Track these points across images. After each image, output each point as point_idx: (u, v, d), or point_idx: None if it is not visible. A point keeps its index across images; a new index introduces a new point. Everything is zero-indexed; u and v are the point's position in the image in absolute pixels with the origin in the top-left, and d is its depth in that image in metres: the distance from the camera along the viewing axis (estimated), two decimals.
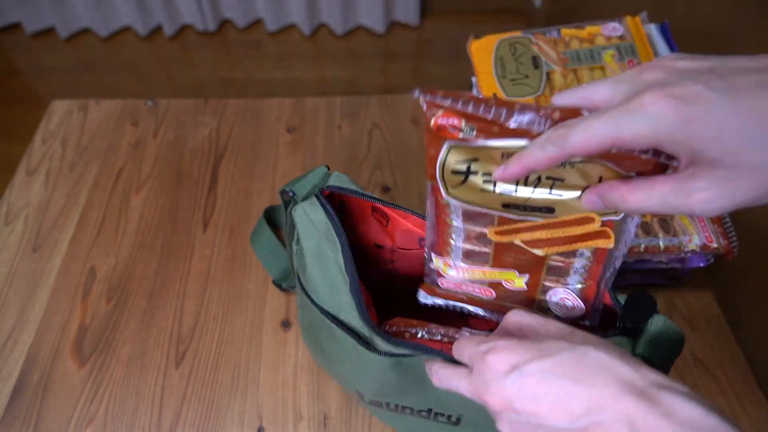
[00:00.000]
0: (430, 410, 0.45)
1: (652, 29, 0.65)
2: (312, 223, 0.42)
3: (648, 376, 0.29)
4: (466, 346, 0.35)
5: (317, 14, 2.00)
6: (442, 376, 0.36)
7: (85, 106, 0.83)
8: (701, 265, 0.57)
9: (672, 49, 0.64)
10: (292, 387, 0.56)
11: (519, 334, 0.36)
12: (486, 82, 0.64)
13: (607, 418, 0.28)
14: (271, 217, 0.67)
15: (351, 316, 0.41)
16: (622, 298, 0.39)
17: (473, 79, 0.75)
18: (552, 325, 0.35)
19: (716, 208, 0.28)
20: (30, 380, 0.57)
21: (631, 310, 0.37)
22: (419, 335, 0.42)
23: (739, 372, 0.56)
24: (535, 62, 0.64)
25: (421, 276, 0.45)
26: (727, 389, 0.55)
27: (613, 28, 0.65)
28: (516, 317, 0.36)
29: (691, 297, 0.62)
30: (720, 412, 0.27)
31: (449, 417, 0.45)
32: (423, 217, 0.43)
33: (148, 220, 0.70)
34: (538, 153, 0.30)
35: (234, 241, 0.67)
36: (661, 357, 0.35)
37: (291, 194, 0.43)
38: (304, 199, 0.42)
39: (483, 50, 0.67)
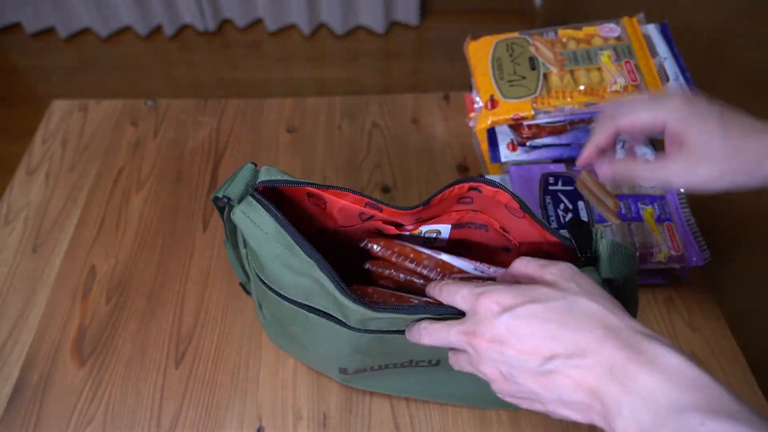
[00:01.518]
0: (411, 361, 0.47)
1: (651, 29, 0.65)
2: (258, 227, 0.41)
3: (634, 326, 0.31)
4: (461, 288, 0.37)
5: (317, 14, 2.00)
6: (432, 331, 0.38)
7: (85, 106, 0.83)
8: (700, 264, 0.58)
9: (672, 49, 0.64)
10: (291, 387, 0.56)
11: (524, 281, 0.37)
12: (483, 83, 0.64)
13: (588, 363, 0.30)
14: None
15: (325, 296, 0.41)
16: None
17: (472, 80, 0.75)
18: (551, 272, 0.35)
19: (683, 180, 0.41)
20: (30, 380, 0.57)
21: (580, 242, 0.39)
22: (399, 278, 0.45)
23: (739, 372, 0.56)
24: (532, 63, 0.64)
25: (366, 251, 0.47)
26: None
27: (610, 29, 0.65)
28: (521, 265, 0.38)
29: (691, 297, 0.62)
30: (702, 365, 0.28)
31: (429, 361, 0.47)
32: (359, 194, 0.44)
33: (148, 219, 0.70)
34: (599, 133, 0.44)
35: None
36: (623, 273, 0.38)
37: (226, 200, 0.41)
38: (240, 201, 0.41)
39: (480, 51, 0.67)
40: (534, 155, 0.65)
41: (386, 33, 2.04)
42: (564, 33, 0.67)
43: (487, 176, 0.66)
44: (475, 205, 0.46)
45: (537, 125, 0.61)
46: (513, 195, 0.42)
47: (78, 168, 0.75)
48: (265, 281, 0.44)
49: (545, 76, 0.63)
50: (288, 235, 0.40)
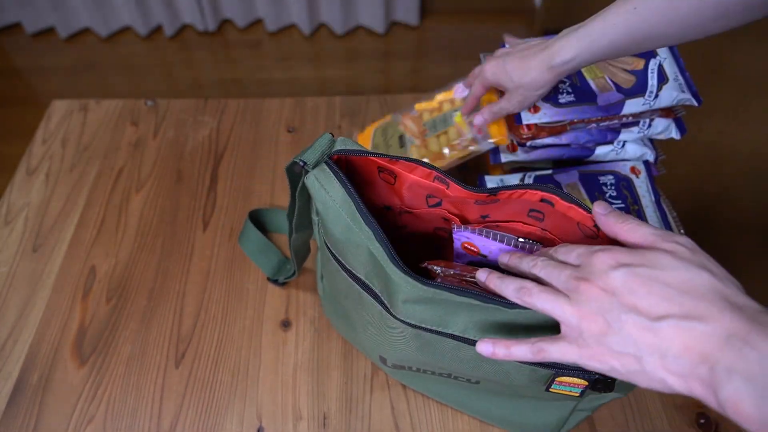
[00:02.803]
0: (449, 374, 0.47)
1: None
2: (327, 193, 0.42)
3: (756, 306, 0.30)
4: (573, 249, 0.37)
5: (317, 14, 2.00)
6: (543, 296, 0.36)
7: (85, 106, 0.84)
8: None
9: (671, 49, 0.64)
10: (291, 387, 0.56)
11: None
12: None
13: (705, 329, 0.29)
14: (255, 219, 0.68)
15: (378, 276, 0.41)
16: None
17: None
18: (673, 242, 0.34)
19: (510, 106, 0.60)
20: (30, 380, 0.57)
21: None
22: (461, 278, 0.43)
23: None
24: (401, 141, 0.70)
25: (430, 242, 0.47)
26: None
27: (461, 90, 0.70)
28: (637, 234, 0.36)
29: None
30: None
31: (468, 379, 0.46)
32: (430, 167, 0.44)
33: (148, 219, 0.70)
34: (476, 87, 0.64)
35: (234, 241, 0.67)
36: None
37: (302, 164, 0.43)
38: (315, 166, 0.43)
39: (365, 142, 0.73)
40: (534, 155, 0.65)
41: (386, 33, 2.04)
42: (419, 107, 0.72)
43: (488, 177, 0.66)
44: (545, 223, 0.44)
45: (536, 125, 0.61)
46: (589, 211, 0.40)
47: (78, 168, 0.76)
48: (331, 249, 0.45)
49: (410, 149, 0.68)
50: (352, 203, 0.41)
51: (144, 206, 0.71)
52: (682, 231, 0.61)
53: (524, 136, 0.63)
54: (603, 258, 0.34)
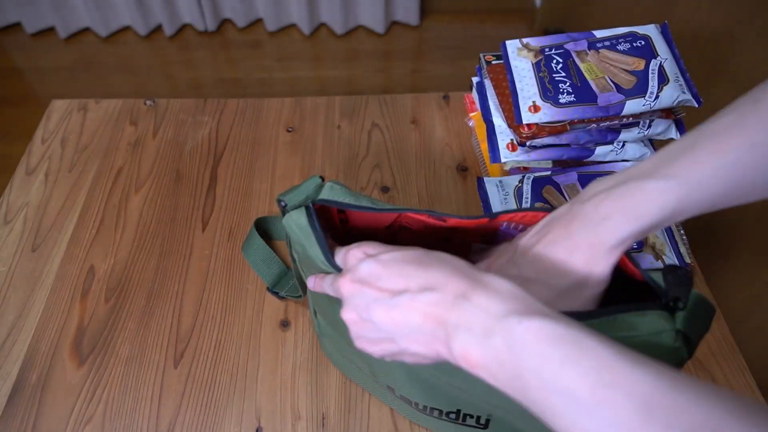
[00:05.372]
0: (458, 411, 0.45)
1: (652, 30, 0.65)
2: (300, 234, 0.43)
3: (478, 271, 0.34)
4: (338, 252, 0.41)
5: (317, 14, 2.00)
6: (317, 283, 0.42)
7: (85, 105, 0.83)
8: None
9: (672, 50, 0.64)
10: (290, 387, 0.56)
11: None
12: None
13: (437, 296, 0.33)
14: (261, 227, 0.67)
15: None
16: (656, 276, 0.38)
17: (473, 80, 0.75)
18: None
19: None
20: (29, 379, 0.57)
21: (672, 284, 0.36)
22: None
23: (738, 372, 0.56)
24: None
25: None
26: None
27: None
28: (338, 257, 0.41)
29: None
30: (522, 289, 0.32)
31: (478, 419, 0.45)
32: (418, 211, 0.44)
33: (147, 219, 0.70)
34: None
35: (233, 241, 0.67)
36: (698, 332, 0.36)
37: (283, 204, 0.44)
38: (294, 208, 0.44)
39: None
40: (534, 155, 0.65)
41: (386, 33, 2.03)
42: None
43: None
44: None
45: (537, 125, 0.61)
46: None
47: (77, 168, 0.75)
48: None
49: None
50: (318, 244, 0.42)
51: (143, 206, 0.71)
52: (681, 232, 0.61)
53: (524, 136, 0.63)
54: (353, 253, 0.38)
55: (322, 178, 0.45)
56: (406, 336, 0.34)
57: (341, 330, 0.48)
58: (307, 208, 0.43)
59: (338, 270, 0.41)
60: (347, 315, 0.37)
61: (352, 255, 0.38)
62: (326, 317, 0.50)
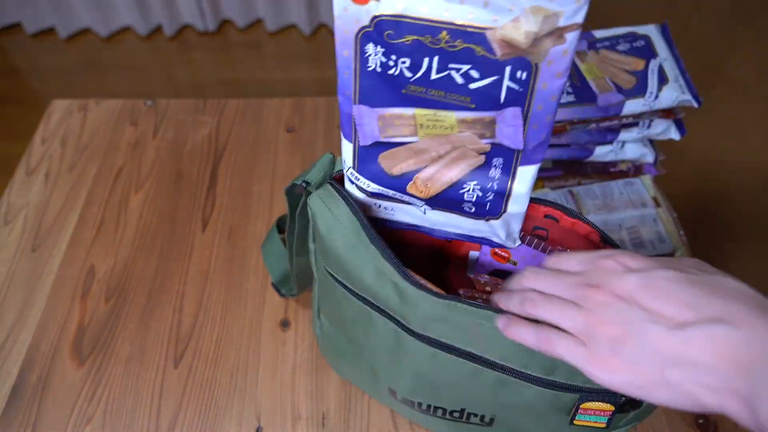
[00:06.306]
0: (462, 410, 0.44)
1: (652, 30, 0.65)
2: (332, 213, 0.41)
3: None
4: (572, 256, 0.34)
5: (317, 14, 2.00)
6: (549, 306, 0.33)
7: (85, 106, 0.83)
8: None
9: (672, 50, 0.64)
10: (290, 387, 0.56)
11: None
12: None
13: (740, 335, 0.26)
14: (280, 226, 0.66)
15: (389, 291, 0.39)
16: None
17: None
18: (681, 262, 0.31)
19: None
20: (29, 379, 0.57)
21: None
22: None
23: None
24: None
25: (434, 255, 0.46)
26: None
27: None
28: (628, 259, 0.33)
29: None
30: None
31: (482, 417, 0.44)
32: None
33: (147, 219, 0.70)
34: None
35: (233, 241, 0.67)
36: None
37: (304, 185, 0.42)
38: (318, 187, 0.42)
39: None
40: None
41: None
42: None
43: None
44: (550, 241, 0.43)
45: None
46: (593, 226, 0.39)
47: (77, 168, 0.75)
48: (335, 275, 0.43)
49: None
50: (357, 221, 0.40)
51: (143, 206, 0.71)
52: (681, 232, 0.61)
53: None
54: (610, 262, 0.31)
55: (333, 154, 0.44)
56: (683, 372, 0.27)
57: (348, 330, 0.47)
58: (330, 183, 0.41)
59: (378, 246, 0.38)
60: (607, 327, 0.30)
61: (607, 264, 0.31)
62: (332, 318, 0.49)
